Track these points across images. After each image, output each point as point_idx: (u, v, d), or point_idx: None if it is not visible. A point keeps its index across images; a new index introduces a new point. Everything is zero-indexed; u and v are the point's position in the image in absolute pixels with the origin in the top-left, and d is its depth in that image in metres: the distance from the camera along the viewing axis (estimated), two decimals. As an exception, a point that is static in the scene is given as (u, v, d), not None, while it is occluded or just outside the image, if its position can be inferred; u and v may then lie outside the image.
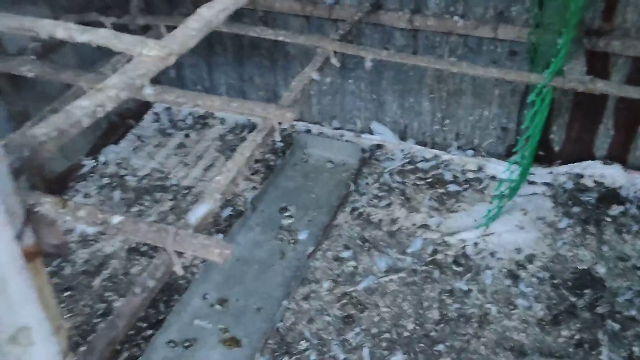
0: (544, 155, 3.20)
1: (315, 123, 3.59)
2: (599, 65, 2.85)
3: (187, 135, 3.53)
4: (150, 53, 1.36)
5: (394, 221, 2.94)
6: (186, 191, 3.13)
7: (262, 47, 3.44)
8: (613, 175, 3.05)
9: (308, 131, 3.51)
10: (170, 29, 2.84)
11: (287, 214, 2.96)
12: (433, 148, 3.36)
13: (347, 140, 3.41)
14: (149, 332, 2.41)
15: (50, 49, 2.80)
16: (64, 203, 1.79)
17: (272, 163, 3.31)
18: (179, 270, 1.68)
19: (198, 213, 1.84)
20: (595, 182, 3.07)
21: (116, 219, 1.70)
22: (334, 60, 2.63)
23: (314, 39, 2.71)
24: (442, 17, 2.97)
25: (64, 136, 1.15)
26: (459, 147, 3.37)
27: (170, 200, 3.08)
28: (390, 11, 3.04)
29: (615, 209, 2.92)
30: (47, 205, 1.74)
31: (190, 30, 1.48)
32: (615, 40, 2.75)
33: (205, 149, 3.43)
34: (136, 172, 3.26)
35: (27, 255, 0.96)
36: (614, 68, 2.86)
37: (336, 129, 3.55)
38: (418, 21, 3.00)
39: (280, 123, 2.21)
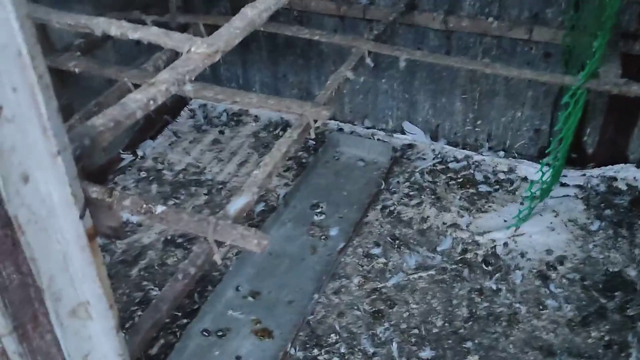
0: (577, 158, 3.20)
1: (347, 122, 3.64)
2: (634, 68, 2.83)
3: (221, 132, 3.61)
4: (198, 50, 1.43)
5: (424, 220, 2.97)
6: (220, 186, 3.21)
7: (296, 46, 3.50)
8: (647, 179, 3.04)
9: (340, 130, 3.57)
10: (208, 27, 2.95)
11: (318, 210, 3.01)
12: (464, 149, 3.38)
13: (378, 139, 3.45)
14: (184, 320, 2.49)
15: (93, 45, 2.90)
16: (110, 192, 1.88)
17: (304, 160, 3.37)
18: (218, 259, 1.74)
19: (237, 205, 1.91)
20: (628, 185, 3.06)
21: (159, 208, 1.78)
22: (368, 60, 2.67)
23: (348, 38, 2.75)
24: (477, 18, 2.99)
25: (119, 127, 1.22)
26: (490, 148, 3.39)
27: (205, 194, 3.16)
28: (425, 12, 3.07)
29: (649, 213, 2.91)
30: (94, 194, 1.83)
31: (235, 29, 1.54)
32: (651, 43, 2.75)
33: (239, 145, 3.51)
34: (172, 166, 3.35)
35: (88, 235, 1.04)
36: (649, 71, 2.85)
37: (368, 127, 3.60)
38: (452, 22, 3.02)
39: (315, 120, 2.26)
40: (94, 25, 1.53)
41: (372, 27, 2.94)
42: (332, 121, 3.63)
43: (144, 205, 1.79)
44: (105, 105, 2.27)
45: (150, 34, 1.50)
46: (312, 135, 2.30)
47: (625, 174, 3.09)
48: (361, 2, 3.16)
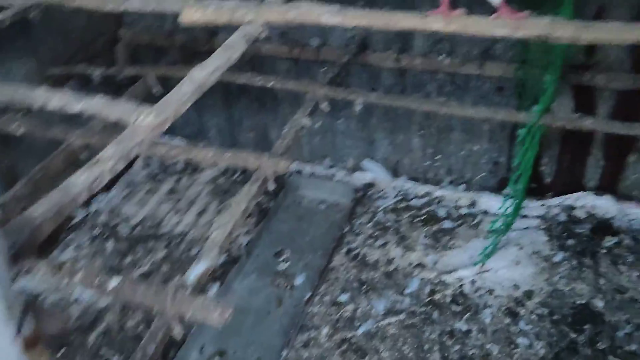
0: (536, 188, 3.22)
1: (306, 163, 3.59)
2: (585, 99, 2.88)
3: (178, 180, 3.52)
4: (144, 122, 1.36)
5: (390, 261, 2.92)
6: (179, 239, 3.10)
7: (250, 90, 3.45)
8: (605, 206, 3.07)
9: (300, 172, 3.51)
10: (159, 78, 2.87)
11: (282, 258, 2.94)
12: (425, 184, 3.37)
13: (339, 180, 3.41)
14: (147, 389, 2.36)
15: (38, 102, 2.78)
16: (59, 267, 1.77)
17: (265, 206, 3.30)
18: (178, 334, 1.65)
19: (196, 271, 1.82)
20: (587, 213, 3.09)
21: (113, 282, 1.68)
22: (324, 106, 2.64)
23: (303, 84, 2.72)
24: (429, 56, 3.00)
25: (61, 215, 1.13)
26: (451, 182, 3.39)
27: (164, 248, 3.05)
28: (377, 52, 3.07)
29: (610, 240, 2.93)
30: (41, 270, 1.72)
31: (183, 95, 1.47)
32: (599, 74, 2.79)
33: (197, 193, 3.42)
34: (128, 220, 3.23)
35: (27, 343, 0.94)
36: (599, 101, 2.89)
37: (328, 167, 3.55)
38: (405, 61, 3.03)
39: (274, 172, 2.20)
40: (33, 99, 1.44)
41: (326, 70, 2.92)
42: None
43: (96, 280, 1.69)
44: (51, 169, 2.17)
45: (93, 105, 1.42)
46: (272, 188, 2.25)
47: (584, 201, 3.12)
48: (313, 44, 3.14)
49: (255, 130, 3.62)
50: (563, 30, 1.64)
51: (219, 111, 3.63)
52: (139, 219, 3.24)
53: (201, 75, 1.56)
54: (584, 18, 2.68)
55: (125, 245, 3.07)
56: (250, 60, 3.31)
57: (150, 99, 1.74)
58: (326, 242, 3.00)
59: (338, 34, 3.11)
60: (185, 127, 3.77)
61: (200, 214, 3.28)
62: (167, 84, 2.56)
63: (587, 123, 2.32)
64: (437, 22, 1.75)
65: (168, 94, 1.50)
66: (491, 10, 1.76)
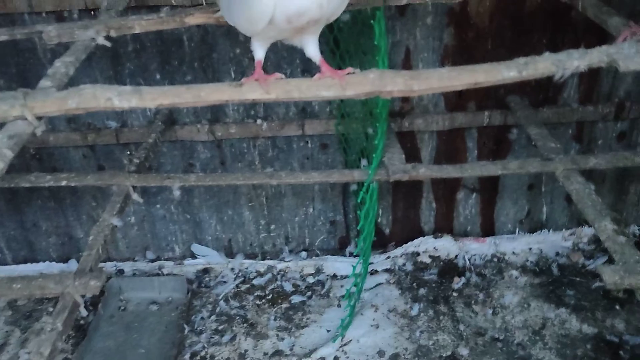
0: (377, 240, 3.09)
1: (126, 260, 3.11)
2: (408, 144, 2.85)
3: (-37, 313, 2.82)
4: None
5: (242, 356, 2.56)
6: (-26, 390, 2.44)
7: (41, 188, 2.90)
8: (446, 247, 3.04)
9: (120, 272, 3.02)
10: None
11: (114, 384, 2.43)
12: (265, 259, 3.09)
13: (168, 273, 2.98)
14: None
15: None
16: None
17: (82, 321, 2.75)
18: None
19: None
20: (431, 257, 3.03)
21: None
22: (135, 196, 2.24)
23: (105, 176, 2.29)
24: (245, 123, 2.77)
25: None
26: (291, 251, 3.14)
27: (-47, 408, 2.36)
28: (187, 125, 2.76)
29: (458, 282, 2.88)
30: None
31: None
32: (417, 118, 2.78)
33: (-9, 324, 2.76)
34: None
35: None
36: (422, 144, 2.88)
37: (152, 261, 3.11)
38: (219, 131, 2.76)
39: (84, 295, 1.76)
40: None
41: (132, 154, 2.53)
42: (108, 263, 3.07)
43: None
44: None
45: None
46: (84, 313, 1.79)
47: (425, 246, 3.06)
48: (111, 126, 2.74)
49: (56, 233, 3.06)
50: (393, 83, 1.48)
51: (6, 219, 3.01)
52: None
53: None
54: (394, 64, 2.68)
55: None
56: (36, 154, 2.80)
57: None
58: (164, 351, 2.55)
59: (139, 111, 2.74)
60: (-34, 244, 3.08)
61: (1, 348, 2.63)
62: None
63: (422, 171, 2.23)
64: (255, 90, 1.50)
65: None
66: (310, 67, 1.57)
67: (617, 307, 2.68)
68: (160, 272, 3.01)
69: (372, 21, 1.93)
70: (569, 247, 3.05)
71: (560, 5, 2.20)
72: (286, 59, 2.60)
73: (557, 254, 3.03)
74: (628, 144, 2.89)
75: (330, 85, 1.51)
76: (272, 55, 2.58)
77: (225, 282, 2.96)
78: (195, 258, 3.10)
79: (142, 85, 1.49)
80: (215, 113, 2.76)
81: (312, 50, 1.56)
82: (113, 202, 2.15)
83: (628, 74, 2.64)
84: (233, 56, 2.61)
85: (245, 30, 1.49)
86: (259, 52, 1.54)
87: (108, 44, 1.90)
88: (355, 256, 3.01)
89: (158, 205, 3.01)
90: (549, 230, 3.12)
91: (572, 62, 1.44)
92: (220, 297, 2.86)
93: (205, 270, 3.02)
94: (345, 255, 3.10)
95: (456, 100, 2.76)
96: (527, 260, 2.99)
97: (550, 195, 3.05)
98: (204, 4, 2.05)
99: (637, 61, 1.44)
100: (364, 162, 2.43)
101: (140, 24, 1.98)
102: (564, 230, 3.11)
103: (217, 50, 2.60)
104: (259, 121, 2.76)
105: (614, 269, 1.58)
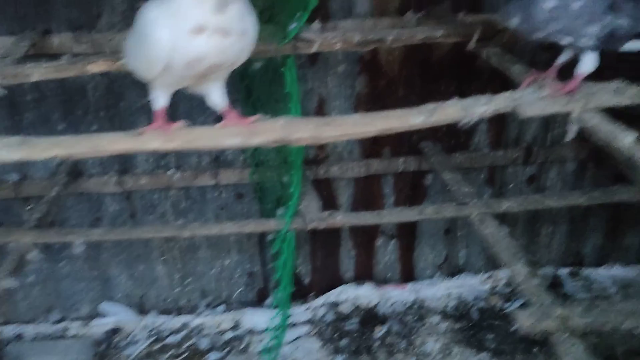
0: (296, 291, 3.01)
1: (27, 322, 2.87)
2: (325, 191, 2.83)
3: None
4: None
5: (154, 423, 2.39)
6: None
7: None
8: (366, 294, 3.00)
9: (19, 336, 2.78)
10: None
11: None
12: (180, 315, 2.93)
13: (74, 335, 2.77)
14: None
15: None
16: None
17: (-27, 395, 2.50)
18: None
19: None
20: (352, 306, 2.97)
21: None
22: (33, 254, 2.08)
23: (1, 233, 2.12)
24: (156, 173, 2.66)
25: None
26: (208, 306, 3.01)
27: None
28: (95, 176, 2.62)
29: (379, 330, 2.84)
30: None
31: None
32: (333, 165, 2.77)
33: None
34: None
35: None
36: (338, 192, 2.86)
37: (57, 322, 2.89)
38: (129, 182, 2.64)
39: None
40: None
41: (32, 209, 2.37)
42: (6, 326, 2.82)
43: None
44: None
45: None
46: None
47: (346, 295, 3.01)
48: (9, 180, 2.56)
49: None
50: (302, 131, 1.45)
51: None
52: None
53: None
54: (308, 112, 2.67)
55: None
56: None
57: None
58: None
59: (41, 163, 2.58)
60: None
61: None
62: None
63: (340, 218, 2.21)
64: (155, 140, 1.43)
65: None
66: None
67: (535, 350, 2.71)
68: (64, 335, 2.79)
69: (282, 69, 1.91)
70: (487, 291, 3.08)
71: (466, 54, 2.27)
72: (198, 107, 2.54)
73: (476, 297, 3.04)
74: (537, 187, 2.99)
75: (237, 134, 1.47)
76: (183, 105, 2.51)
77: (136, 342, 2.77)
78: (104, 318, 2.90)
79: (43, 137, 1.40)
80: (124, 163, 2.64)
81: (217, 97, 1.51)
82: (8, 261, 1.99)
83: (534, 119, 2.76)
84: (142, 105, 2.52)
85: (144, 75, 1.43)
86: (160, 100, 1.47)
87: (3, 92, 1.78)
88: (275, 308, 2.91)
89: (63, 263, 2.81)
90: (467, 274, 3.15)
91: (479, 107, 1.47)
92: (131, 358, 2.67)
93: (115, 330, 2.83)
94: (264, 308, 2.99)
95: (371, 146, 2.77)
96: (447, 306, 2.99)
97: (466, 239, 3.09)
98: (107, 51, 1.98)
99: (536, 108, 1.49)
100: (280, 211, 2.37)
101: (39, 72, 1.87)
102: (481, 273, 3.14)
103: (125, 98, 2.50)
104: (170, 171, 2.66)
105: (528, 313, 1.58)
